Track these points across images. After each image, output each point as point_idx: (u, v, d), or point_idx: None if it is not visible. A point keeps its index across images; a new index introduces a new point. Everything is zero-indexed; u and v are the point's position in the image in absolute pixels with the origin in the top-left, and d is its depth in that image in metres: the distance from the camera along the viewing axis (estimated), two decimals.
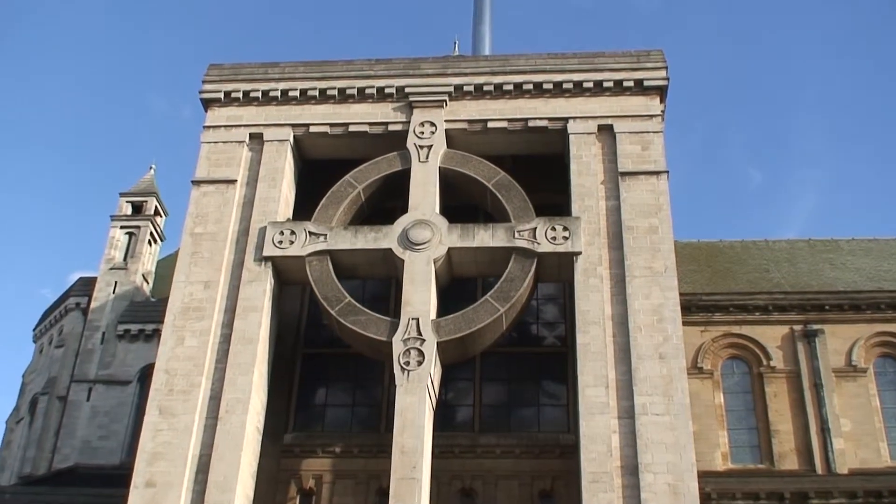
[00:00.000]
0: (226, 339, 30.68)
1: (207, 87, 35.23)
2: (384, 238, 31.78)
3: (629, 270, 30.47)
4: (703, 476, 29.32)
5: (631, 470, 27.51)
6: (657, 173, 32.27)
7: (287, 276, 32.30)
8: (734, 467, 33.10)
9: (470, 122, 34.05)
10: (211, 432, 29.17)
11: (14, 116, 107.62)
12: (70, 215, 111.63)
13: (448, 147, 33.63)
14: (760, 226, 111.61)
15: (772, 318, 35.68)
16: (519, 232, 31.32)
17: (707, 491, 29.72)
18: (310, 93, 34.79)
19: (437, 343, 29.77)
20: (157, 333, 38.26)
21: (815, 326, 35.40)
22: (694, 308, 35.24)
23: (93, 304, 42.79)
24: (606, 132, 33.23)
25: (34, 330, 47.78)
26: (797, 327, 35.54)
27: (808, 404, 34.17)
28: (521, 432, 33.48)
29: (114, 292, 42.99)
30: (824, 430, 33.63)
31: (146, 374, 37.80)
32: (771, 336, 35.47)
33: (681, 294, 30.77)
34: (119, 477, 33.21)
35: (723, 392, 34.78)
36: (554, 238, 31.09)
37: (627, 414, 28.32)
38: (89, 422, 40.07)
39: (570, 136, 33.19)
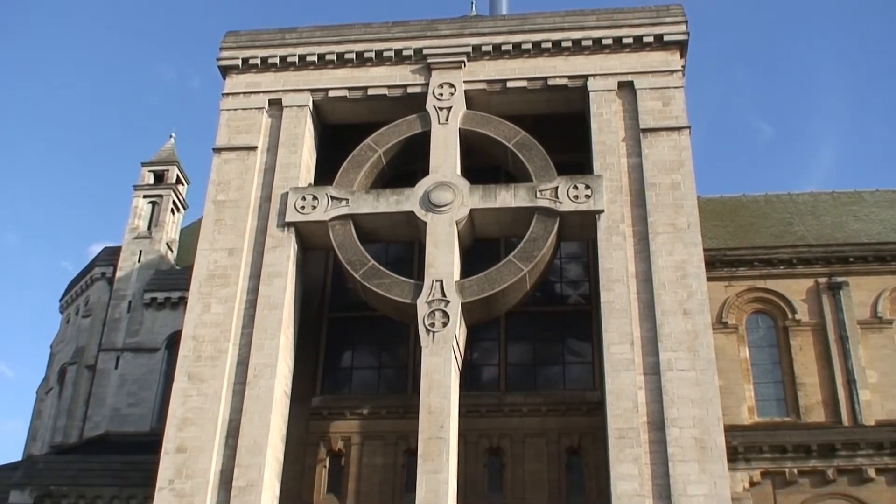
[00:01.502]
0: (251, 305, 30.90)
1: (225, 54, 35.20)
2: (406, 201, 31.81)
3: (652, 227, 30.41)
4: (730, 430, 29.53)
5: (657, 425, 27.65)
6: (679, 129, 32.09)
7: (310, 241, 32.42)
8: (760, 421, 33.17)
9: (489, 82, 33.91)
10: (239, 397, 29.49)
11: (25, 94, 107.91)
12: (84, 188, 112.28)
13: (468, 108, 33.53)
14: (782, 180, 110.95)
15: (796, 272, 35.57)
16: (541, 191, 31.28)
17: (734, 444, 29.91)
18: (328, 57, 34.72)
19: (462, 304, 29.89)
20: (183, 301, 38.62)
21: (840, 279, 35.27)
22: (718, 263, 35.15)
23: (118, 274, 43.15)
24: (627, 89, 33.04)
25: (60, 301, 48.24)
26: (822, 280, 35.43)
27: (833, 357, 34.12)
28: (547, 390, 33.63)
29: (139, 261, 43.31)
30: (850, 382, 33.61)
31: (174, 342, 38.18)
32: (795, 289, 35.36)
33: (704, 250, 30.73)
34: (150, 443, 33.68)
35: (748, 346, 34.76)
36: (576, 197, 31.04)
37: (653, 370, 28.41)
38: (118, 390, 40.54)
39: (591, 94, 33.01)
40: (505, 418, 32.83)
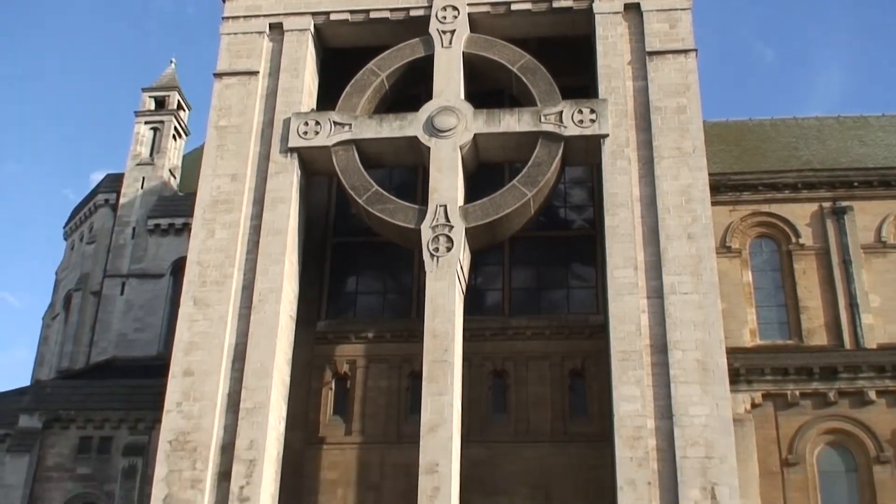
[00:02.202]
0: (255, 231, 30.94)
1: None
2: (409, 126, 31.63)
3: (657, 151, 30.28)
4: (732, 352, 29.77)
5: (660, 348, 27.88)
6: (685, 52, 31.75)
7: (313, 166, 32.33)
8: (763, 343, 33.42)
9: (493, 4, 33.43)
10: (245, 321, 29.70)
11: (24, 22, 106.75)
12: (85, 116, 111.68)
13: (471, 31, 33.13)
14: (787, 105, 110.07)
15: (800, 196, 35.53)
16: (545, 116, 31.08)
17: (736, 367, 30.14)
18: None
19: (466, 229, 29.93)
20: (186, 227, 38.72)
21: (844, 203, 35.25)
22: (723, 188, 35.09)
23: (122, 200, 43.20)
24: (633, 11, 32.58)
25: (64, 228, 48.33)
26: (826, 204, 35.40)
27: (836, 281, 34.24)
28: (551, 314, 33.84)
29: (142, 188, 43.31)
30: (853, 306, 33.76)
31: (178, 267, 38.33)
32: (800, 214, 35.37)
33: (709, 174, 30.63)
34: (156, 367, 34.00)
35: (751, 270, 34.86)
36: (581, 121, 30.86)
37: (656, 294, 28.54)
38: (124, 315, 40.82)
39: (596, 17, 32.58)
40: (509, 342, 33.11)
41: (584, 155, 31.51)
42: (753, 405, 30.94)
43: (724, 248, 34.46)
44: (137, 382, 35.90)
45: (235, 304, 29.99)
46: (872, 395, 31.16)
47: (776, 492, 30.10)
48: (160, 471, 28.04)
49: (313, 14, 34.02)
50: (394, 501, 31.02)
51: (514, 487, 31.13)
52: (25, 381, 46.35)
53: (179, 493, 27.62)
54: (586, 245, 34.61)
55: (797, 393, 31.15)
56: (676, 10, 32.35)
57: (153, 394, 32.03)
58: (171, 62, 47.65)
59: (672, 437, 26.72)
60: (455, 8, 33.17)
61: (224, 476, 27.88)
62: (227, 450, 28.17)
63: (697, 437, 26.59)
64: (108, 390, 36.74)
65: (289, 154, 31.75)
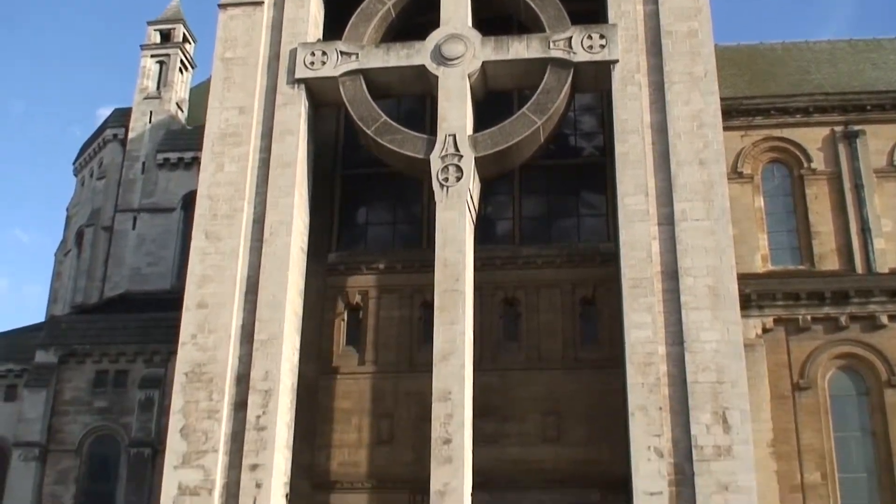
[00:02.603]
0: (264, 164, 30.86)
1: None
2: (417, 54, 31.31)
3: (668, 77, 29.96)
4: (743, 278, 29.75)
5: (671, 275, 27.88)
6: None
7: (321, 97, 32.11)
8: (774, 269, 33.41)
9: None
10: (257, 254, 29.77)
11: None
12: (90, 51, 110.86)
13: None
14: (800, 28, 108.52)
15: (812, 120, 35.23)
16: (554, 42, 30.72)
17: (747, 293, 30.17)
18: None
19: (475, 158, 29.80)
20: (196, 161, 38.68)
21: (856, 127, 34.96)
22: (734, 113, 34.78)
23: (130, 135, 43.08)
24: None
25: (74, 163, 48.28)
26: (838, 129, 35.13)
27: (848, 205, 34.11)
28: (562, 243, 33.85)
29: (150, 122, 43.16)
30: (864, 231, 33.67)
31: (189, 201, 38.29)
32: (811, 138, 35.10)
33: (721, 99, 30.33)
34: (170, 301, 34.24)
35: (763, 196, 34.70)
36: (590, 47, 30.51)
37: (667, 220, 28.46)
38: (136, 250, 41.00)
39: None
40: (520, 271, 33.17)
41: (594, 81, 31.20)
42: (765, 330, 31.04)
43: (735, 174, 34.28)
44: (151, 316, 36.18)
45: (247, 237, 30.05)
46: (884, 319, 31.19)
47: (787, 415, 30.32)
48: (177, 402, 28.37)
49: None
50: (408, 428, 31.47)
51: (526, 413, 31.47)
52: (40, 318, 46.80)
53: (196, 424, 27.98)
54: (597, 172, 34.44)
55: (808, 318, 31.20)
56: None
57: (168, 327, 32.28)
58: None
59: (683, 363, 26.85)
60: None
61: (240, 406, 28.19)
62: (243, 381, 28.44)
63: (708, 363, 26.72)
64: (123, 324, 37.07)
65: (296, 85, 31.51)
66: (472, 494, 26.87)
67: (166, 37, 45.08)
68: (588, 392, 31.24)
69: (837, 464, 30.25)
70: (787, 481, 29.63)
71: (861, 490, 30.24)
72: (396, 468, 31.22)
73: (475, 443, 28.00)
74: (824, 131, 35.14)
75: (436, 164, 29.73)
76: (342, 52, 31.55)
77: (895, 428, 30.26)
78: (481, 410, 29.48)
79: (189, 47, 45.67)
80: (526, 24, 32.59)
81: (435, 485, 26.40)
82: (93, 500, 35.33)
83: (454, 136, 29.95)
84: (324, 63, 31.50)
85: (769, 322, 31.11)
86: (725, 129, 30.56)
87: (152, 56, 44.47)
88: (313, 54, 31.60)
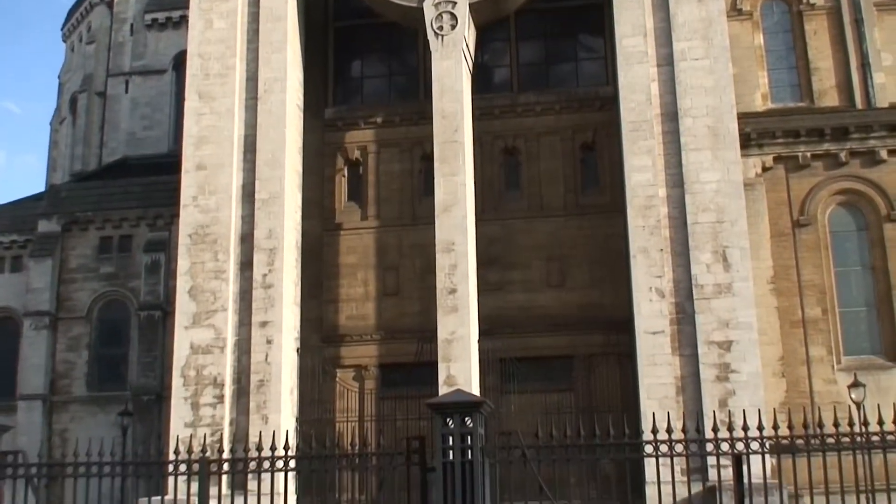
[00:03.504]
0: (254, 19, 30.19)
1: None
2: None
3: None
4: (743, 117, 29.52)
5: (670, 116, 27.63)
6: None
7: None
8: (774, 107, 33.05)
9: None
10: (252, 112, 29.44)
11: None
12: None
13: None
14: None
15: None
16: None
17: (747, 131, 30.00)
18: None
19: (469, 4, 29.10)
20: (184, 19, 37.97)
21: None
22: None
23: None
24: None
25: (62, 29, 47.48)
26: None
27: (848, 40, 33.43)
28: (560, 88, 33.48)
29: None
30: (864, 66, 33.14)
31: (180, 62, 37.75)
32: None
33: None
34: (169, 164, 34.17)
35: (762, 33, 34.00)
36: None
37: (666, 61, 28.03)
38: (131, 114, 40.74)
39: None
40: (519, 118, 32.93)
41: None
42: (765, 168, 31.01)
43: (734, 11, 33.50)
44: (152, 180, 36.20)
45: (241, 95, 29.66)
46: (884, 154, 31.11)
47: (788, 252, 30.59)
48: (183, 264, 28.57)
49: None
50: (413, 280, 31.84)
51: (530, 260, 31.79)
52: (39, 188, 46.82)
53: (204, 284, 28.27)
54: (594, 14, 33.65)
55: (808, 155, 31.13)
56: None
57: (168, 190, 32.34)
58: None
59: (683, 205, 26.90)
60: None
61: (246, 265, 28.41)
62: (247, 240, 28.58)
63: (708, 203, 26.79)
64: (124, 189, 37.14)
65: None
66: (478, 341, 27.35)
67: None
68: (590, 237, 31.48)
69: (838, 298, 30.67)
70: (788, 317, 30.11)
71: (861, 323, 30.76)
72: (403, 319, 31.74)
73: (480, 291, 28.39)
74: None
75: (429, 13, 29.11)
76: None
77: (894, 262, 30.55)
78: (485, 260, 29.78)
79: None
80: None
81: (442, 334, 26.85)
82: (106, 365, 36.16)
83: None
84: None
85: (769, 160, 31.05)
86: None
87: None
88: None
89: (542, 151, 32.58)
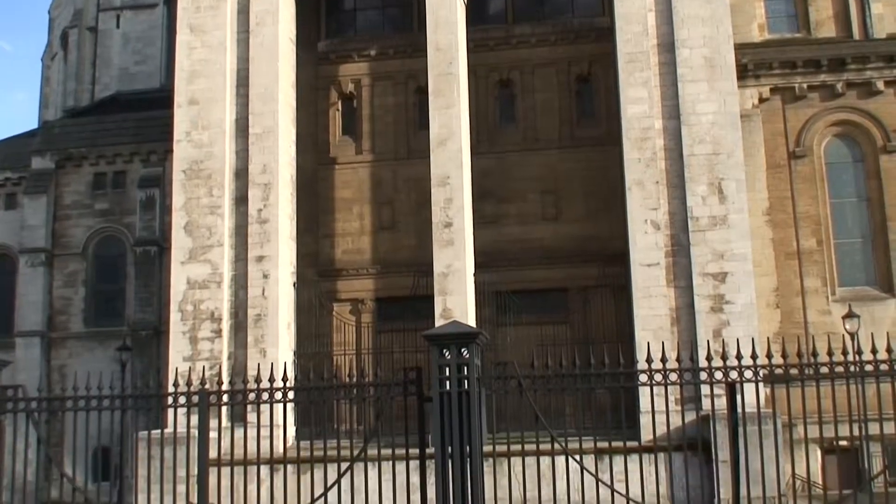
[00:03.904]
0: None
1: None
2: None
3: None
4: (740, 48, 29.24)
5: (667, 47, 27.39)
6: None
7: None
8: (771, 37, 32.74)
9: None
10: (245, 46, 29.12)
11: None
12: None
13: None
14: None
15: None
16: None
17: (744, 62, 29.80)
18: None
19: None
20: None
21: None
22: None
23: None
24: None
25: None
26: None
27: None
28: (556, 19, 33.28)
29: None
30: None
31: None
32: None
33: None
34: (161, 99, 33.90)
35: None
36: None
37: None
38: (123, 49, 40.35)
39: None
40: (514, 50, 32.74)
41: None
42: (761, 100, 30.86)
43: None
44: (145, 115, 35.90)
45: (233, 28, 29.28)
46: (880, 85, 30.96)
47: (783, 184, 30.58)
48: (178, 199, 28.47)
49: None
50: (409, 214, 31.87)
51: (525, 194, 31.82)
52: (32, 125, 46.55)
53: (200, 220, 28.22)
54: None
55: (805, 86, 30.97)
56: None
57: (162, 125, 32.09)
58: None
59: (680, 137, 26.80)
60: None
61: (241, 201, 28.33)
62: (241, 175, 28.47)
63: (705, 135, 26.69)
64: (117, 125, 36.88)
65: None
66: (474, 275, 27.45)
67: None
68: (586, 170, 31.44)
69: (833, 230, 30.75)
70: (783, 248, 30.21)
71: (856, 255, 30.89)
72: (399, 253, 31.82)
73: (475, 225, 28.40)
74: None
75: None
76: None
77: (890, 193, 30.59)
78: (480, 193, 29.76)
79: None
80: None
81: (438, 267, 26.94)
82: (103, 300, 36.23)
83: None
84: None
85: (766, 91, 30.89)
86: None
87: None
88: None
89: (537, 84, 32.43)
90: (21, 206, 37.02)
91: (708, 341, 23.04)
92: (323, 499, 12.47)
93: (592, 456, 14.76)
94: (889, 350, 11.87)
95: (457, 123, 27.66)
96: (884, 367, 11.88)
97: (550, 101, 32.23)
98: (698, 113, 26.81)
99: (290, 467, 14.17)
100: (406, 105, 32.79)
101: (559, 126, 32.14)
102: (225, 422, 14.85)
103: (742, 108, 28.49)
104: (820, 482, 25.82)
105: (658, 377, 11.98)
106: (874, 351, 11.85)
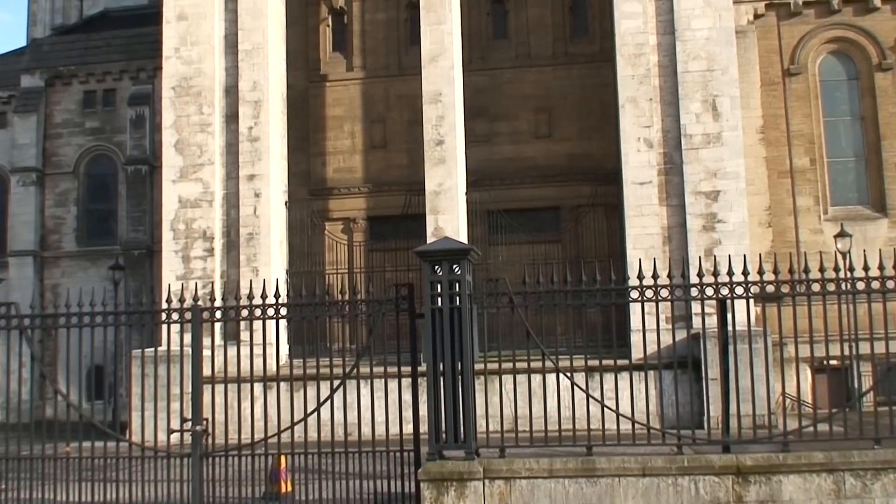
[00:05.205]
0: None
1: None
2: None
3: None
4: None
5: None
6: None
7: None
8: None
9: None
10: None
11: None
12: None
13: None
14: None
15: None
16: None
17: None
18: None
19: None
20: None
21: None
22: None
23: None
24: None
25: None
26: None
27: None
28: None
29: None
30: None
31: None
32: None
33: None
34: (150, 16, 33.38)
35: None
36: None
37: None
38: None
39: None
40: None
41: None
42: (756, 16, 30.47)
43: None
44: (134, 32, 35.51)
45: None
46: (877, 1, 30.54)
47: (777, 101, 30.40)
48: (168, 117, 28.24)
49: None
50: (400, 132, 31.67)
51: (518, 111, 31.58)
52: (21, 42, 45.90)
53: (190, 138, 28.03)
54: None
55: (800, 2, 30.57)
56: None
57: (151, 42, 31.73)
58: None
59: (674, 53, 26.52)
60: None
61: (232, 118, 28.09)
62: (231, 92, 28.18)
63: (699, 51, 26.42)
64: (106, 42, 36.51)
65: None
66: (465, 193, 27.39)
67: None
68: (579, 87, 31.20)
69: (826, 148, 30.67)
70: (776, 167, 30.15)
71: (849, 174, 30.86)
72: (391, 171, 31.72)
73: (467, 143, 28.27)
74: None
75: None
76: None
77: (884, 112, 30.42)
78: (472, 111, 29.54)
79: None
80: None
81: (429, 185, 26.89)
82: (95, 219, 36.22)
83: None
84: None
85: (761, 7, 30.48)
86: None
87: None
88: None
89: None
90: (11, 126, 36.82)
91: (700, 259, 23.15)
92: (316, 415, 12.60)
93: (583, 374, 14.88)
94: (881, 268, 11.91)
95: (449, 40, 27.33)
96: (875, 284, 11.92)
97: (543, 17, 31.78)
98: (693, 28, 26.49)
99: (283, 385, 14.26)
100: (397, 21, 32.32)
101: (552, 42, 31.75)
102: (218, 340, 15.00)
103: (737, 24, 28.08)
104: (809, 401, 26.13)
105: (649, 293, 12.02)
106: (866, 269, 11.87)
